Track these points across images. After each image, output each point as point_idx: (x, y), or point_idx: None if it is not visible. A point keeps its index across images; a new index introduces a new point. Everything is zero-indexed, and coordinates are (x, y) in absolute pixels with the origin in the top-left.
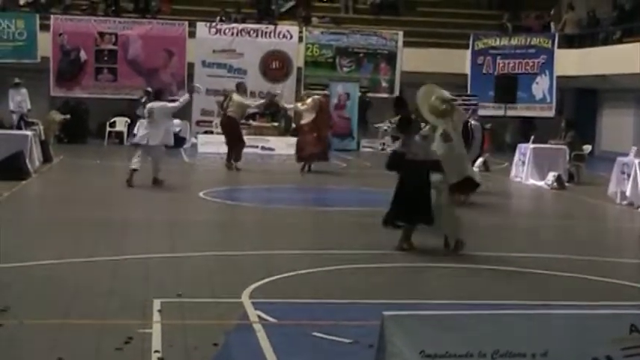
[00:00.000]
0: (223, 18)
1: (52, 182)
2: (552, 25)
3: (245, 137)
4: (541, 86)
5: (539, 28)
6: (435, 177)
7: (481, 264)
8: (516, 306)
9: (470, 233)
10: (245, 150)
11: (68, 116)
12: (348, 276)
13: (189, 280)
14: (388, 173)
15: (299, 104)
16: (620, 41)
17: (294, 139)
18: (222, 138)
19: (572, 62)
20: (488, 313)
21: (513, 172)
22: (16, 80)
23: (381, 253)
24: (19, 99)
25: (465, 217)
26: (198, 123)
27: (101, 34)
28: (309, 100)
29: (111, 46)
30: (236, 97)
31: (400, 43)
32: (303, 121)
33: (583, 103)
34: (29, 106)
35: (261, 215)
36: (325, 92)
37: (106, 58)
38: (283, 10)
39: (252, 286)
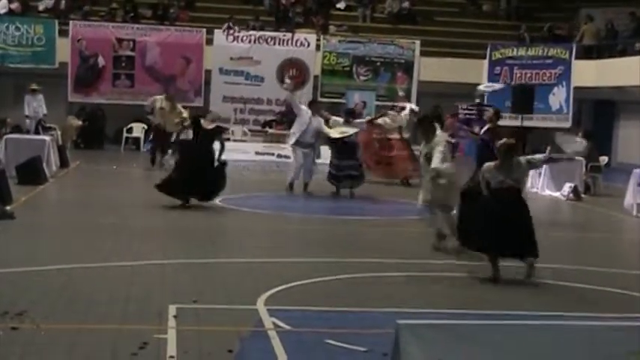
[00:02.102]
0: (231, 24)
1: (68, 187)
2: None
3: (262, 145)
4: (558, 97)
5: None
6: None
7: None
8: (531, 317)
9: None
10: (261, 158)
11: (86, 122)
12: (363, 284)
13: (204, 286)
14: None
15: (387, 119)
16: (639, 53)
17: None
18: (239, 145)
19: (589, 73)
20: (503, 323)
21: (529, 183)
22: (33, 86)
23: (395, 261)
24: (35, 105)
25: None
26: None
27: (119, 41)
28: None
29: (129, 53)
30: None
31: (417, 53)
32: (392, 136)
33: (600, 115)
34: (45, 111)
35: (277, 223)
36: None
37: (123, 65)
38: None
39: (268, 293)
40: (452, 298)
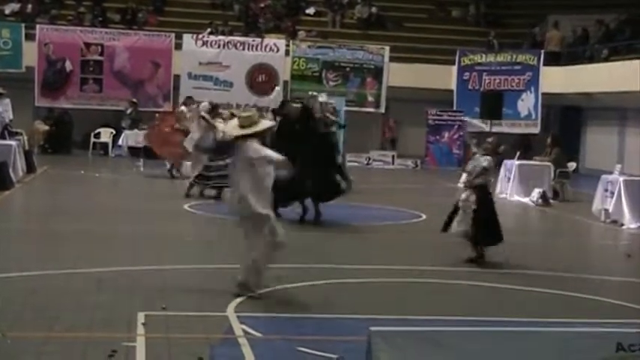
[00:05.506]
0: (213, 29)
1: (35, 193)
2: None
3: None
4: (526, 103)
5: (526, 46)
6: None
7: (466, 280)
8: (503, 323)
9: (455, 249)
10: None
11: (53, 127)
12: (334, 291)
13: (174, 293)
14: (373, 189)
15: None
16: (606, 60)
17: None
18: None
19: (557, 80)
20: (475, 329)
21: (498, 189)
22: None
23: (368, 268)
24: (1, 109)
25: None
26: None
27: (87, 45)
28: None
29: (97, 57)
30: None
31: (387, 58)
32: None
33: (568, 121)
34: (11, 116)
35: None
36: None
37: (91, 69)
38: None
39: (238, 300)
40: (424, 304)
